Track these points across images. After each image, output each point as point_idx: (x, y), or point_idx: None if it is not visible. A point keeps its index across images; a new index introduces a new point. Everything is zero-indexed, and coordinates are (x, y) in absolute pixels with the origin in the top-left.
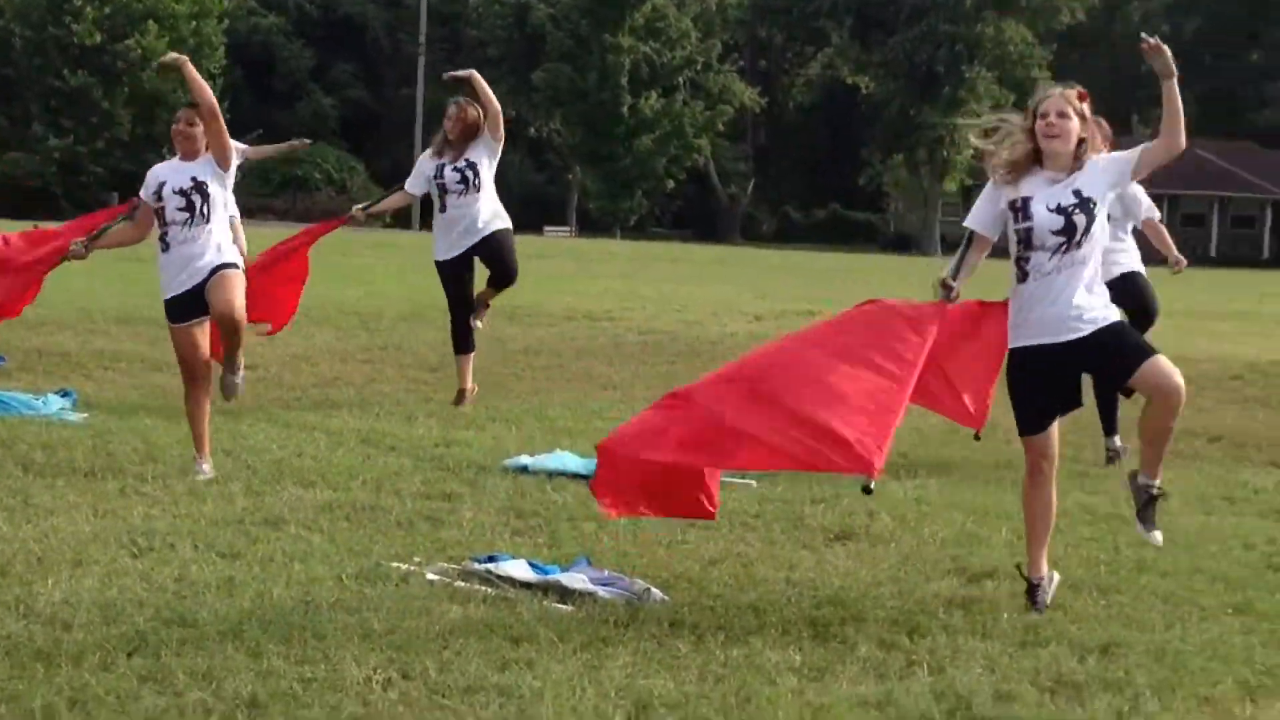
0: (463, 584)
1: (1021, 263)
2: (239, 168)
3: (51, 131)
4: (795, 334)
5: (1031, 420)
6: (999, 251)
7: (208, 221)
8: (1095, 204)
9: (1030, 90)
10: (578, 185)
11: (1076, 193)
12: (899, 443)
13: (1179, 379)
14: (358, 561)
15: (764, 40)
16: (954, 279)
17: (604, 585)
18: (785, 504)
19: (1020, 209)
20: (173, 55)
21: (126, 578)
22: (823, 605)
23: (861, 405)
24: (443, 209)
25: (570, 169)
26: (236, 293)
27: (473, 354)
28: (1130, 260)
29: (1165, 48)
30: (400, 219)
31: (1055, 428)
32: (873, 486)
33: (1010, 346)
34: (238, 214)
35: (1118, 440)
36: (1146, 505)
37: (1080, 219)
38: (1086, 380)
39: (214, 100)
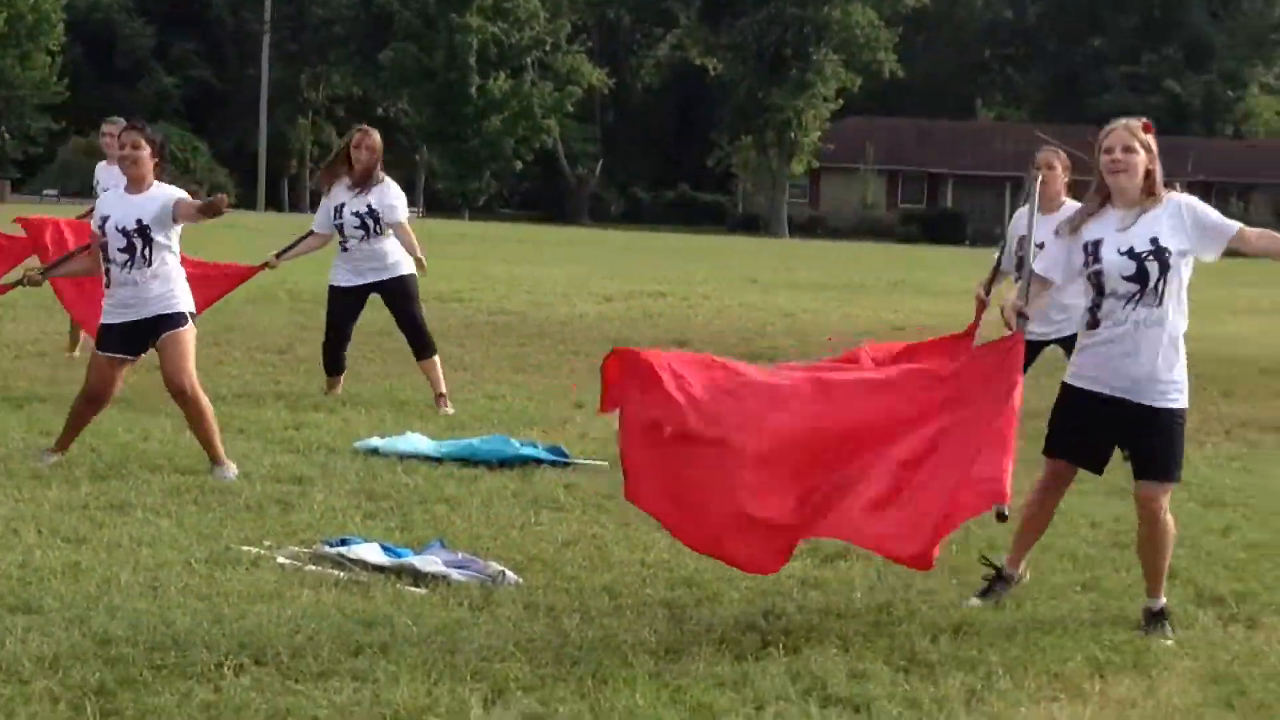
0: (314, 568)
1: (1094, 310)
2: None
3: None
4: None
5: (1058, 446)
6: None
7: (149, 264)
8: (1171, 255)
9: (878, 72)
10: (425, 166)
11: (1154, 240)
12: None
13: (1164, 515)
14: (207, 546)
15: (612, 21)
16: (1025, 305)
17: (458, 568)
18: None
19: (1091, 252)
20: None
21: None
22: (678, 587)
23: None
24: (344, 248)
25: (418, 149)
26: (188, 361)
27: (343, 374)
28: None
29: None
30: (246, 201)
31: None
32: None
33: (1063, 381)
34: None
35: None
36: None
37: (1153, 267)
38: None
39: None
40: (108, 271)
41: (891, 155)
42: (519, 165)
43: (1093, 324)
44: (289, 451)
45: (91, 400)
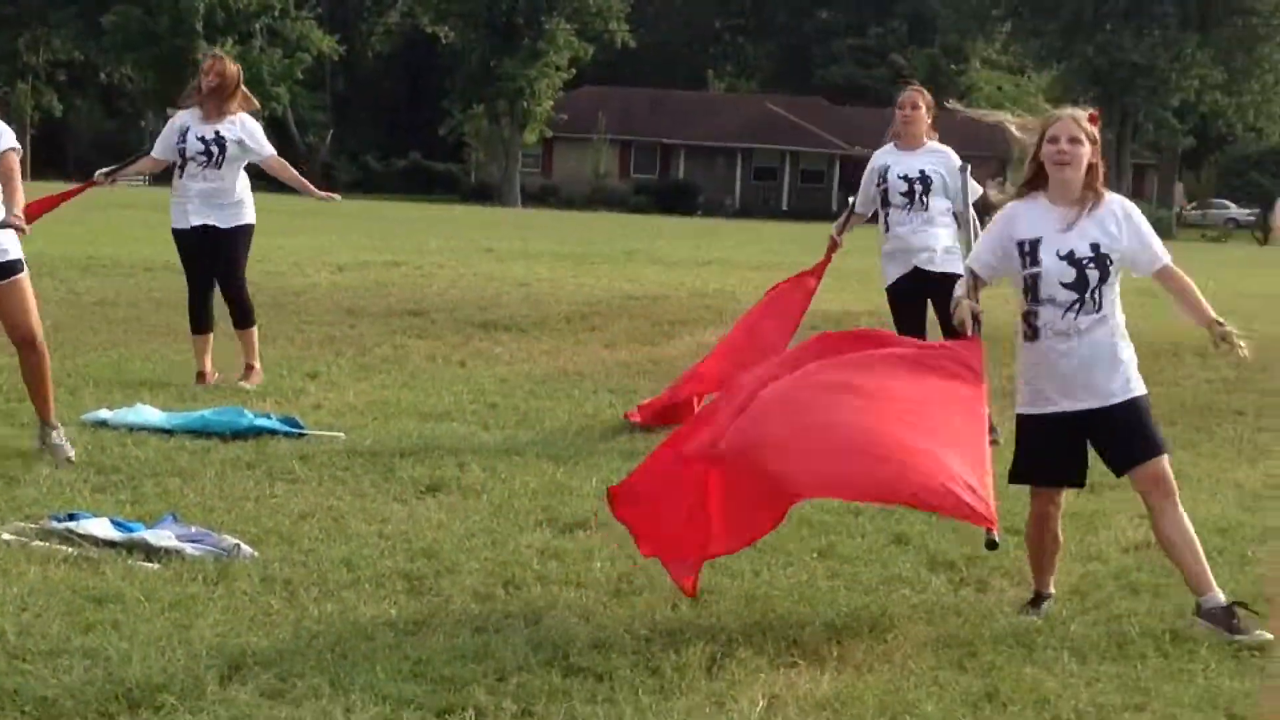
0: (41, 544)
1: (1030, 318)
2: None
3: None
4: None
5: (1037, 476)
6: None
7: None
8: (1112, 263)
9: (610, 42)
10: (150, 133)
11: (1095, 246)
12: (486, 394)
13: (1173, 496)
14: None
15: None
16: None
17: (191, 542)
18: (374, 456)
19: (1029, 252)
20: None
21: None
22: (417, 558)
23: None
24: (180, 176)
25: (143, 115)
26: (33, 305)
27: (211, 334)
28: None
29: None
30: None
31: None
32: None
33: (1018, 412)
34: None
35: None
36: (1229, 620)
37: (1093, 275)
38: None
39: None
40: None
41: (624, 125)
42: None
43: (1031, 334)
44: (11, 425)
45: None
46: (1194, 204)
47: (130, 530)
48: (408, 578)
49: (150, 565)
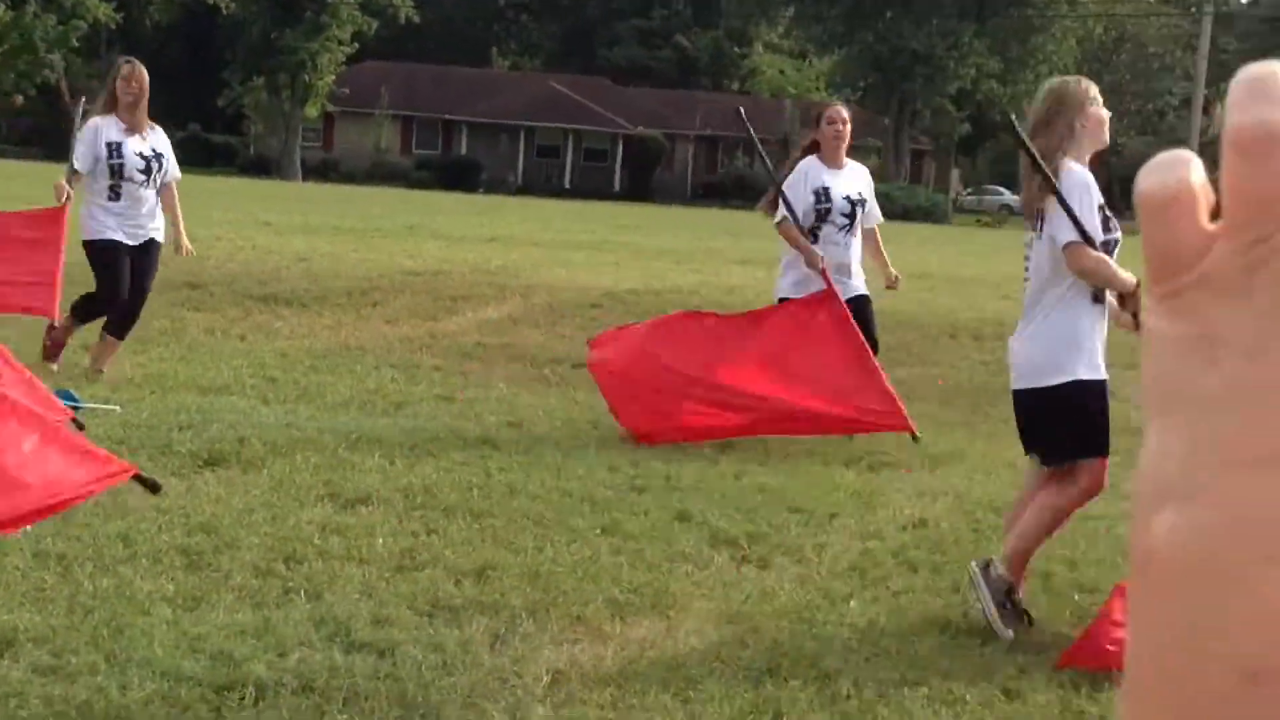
0: None
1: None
2: None
3: None
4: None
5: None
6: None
7: None
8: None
9: (394, 17)
10: None
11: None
12: (266, 368)
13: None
14: None
15: None
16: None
17: None
18: (151, 430)
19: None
20: None
21: None
22: (195, 533)
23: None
24: (115, 196)
25: None
26: None
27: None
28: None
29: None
30: None
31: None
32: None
33: (1085, 379)
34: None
35: None
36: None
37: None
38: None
39: None
40: None
41: (407, 101)
42: (20, 100)
43: (1098, 295)
44: None
45: None
46: (969, 190)
47: None
48: (186, 553)
49: None
